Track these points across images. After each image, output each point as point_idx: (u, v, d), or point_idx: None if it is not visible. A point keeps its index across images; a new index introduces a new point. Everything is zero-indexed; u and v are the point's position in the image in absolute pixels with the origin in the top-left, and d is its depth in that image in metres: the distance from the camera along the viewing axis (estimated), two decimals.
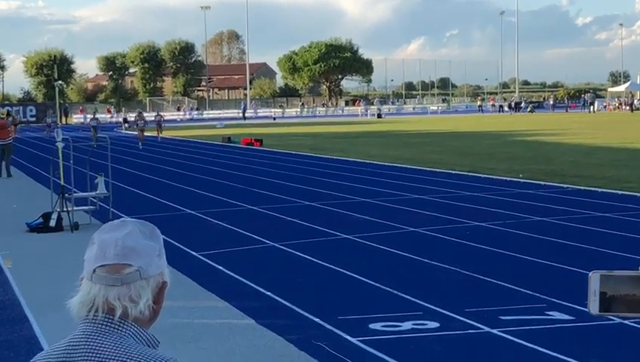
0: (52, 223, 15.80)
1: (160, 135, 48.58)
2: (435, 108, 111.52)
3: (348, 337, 8.49)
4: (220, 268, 12.16)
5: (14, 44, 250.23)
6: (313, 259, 12.64)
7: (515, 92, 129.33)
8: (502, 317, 8.99)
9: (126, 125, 67.56)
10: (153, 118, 52.30)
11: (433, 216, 16.70)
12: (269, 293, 10.47)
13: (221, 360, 7.97)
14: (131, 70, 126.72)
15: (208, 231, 15.61)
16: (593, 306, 1.60)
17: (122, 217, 2.26)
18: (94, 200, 17.32)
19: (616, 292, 1.59)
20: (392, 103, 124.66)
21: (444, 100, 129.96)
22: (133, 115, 55.81)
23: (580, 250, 12.97)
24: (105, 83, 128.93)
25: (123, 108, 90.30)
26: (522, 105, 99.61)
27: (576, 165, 26.89)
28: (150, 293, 2.00)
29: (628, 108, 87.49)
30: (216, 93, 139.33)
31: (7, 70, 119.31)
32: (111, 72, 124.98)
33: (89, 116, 65.18)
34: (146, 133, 44.42)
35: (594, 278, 1.59)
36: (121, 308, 1.95)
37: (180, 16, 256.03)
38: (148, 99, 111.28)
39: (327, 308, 9.65)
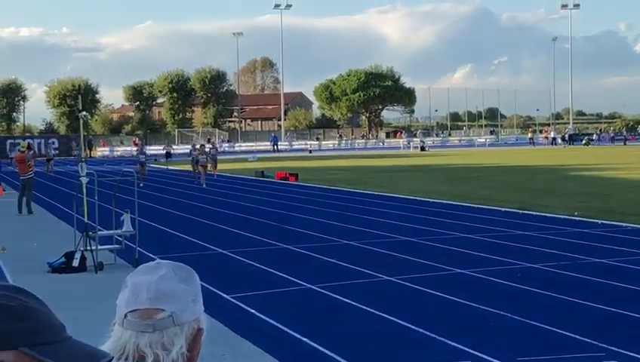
0: (75, 263, 15.88)
1: (215, 171, 45.58)
2: (483, 140, 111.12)
3: None
4: (253, 311, 12.16)
5: (37, 73, 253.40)
6: (352, 303, 12.61)
7: (568, 123, 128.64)
8: None
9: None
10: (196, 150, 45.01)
11: (482, 257, 16.62)
12: (305, 339, 10.45)
13: None
14: (159, 100, 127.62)
15: (240, 272, 15.62)
16: None
17: (153, 258, 2.27)
18: (120, 238, 17.41)
19: None
20: (436, 135, 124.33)
21: (492, 132, 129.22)
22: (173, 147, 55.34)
23: None
24: (131, 114, 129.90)
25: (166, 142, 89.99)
26: (583, 137, 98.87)
27: (636, 202, 26.65)
28: (184, 341, 2.00)
29: None
30: (248, 124, 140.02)
31: (28, 100, 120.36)
32: (137, 102, 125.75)
33: (134, 149, 64.15)
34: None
35: None
36: (153, 355, 1.95)
37: (210, 43, 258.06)
38: (177, 130, 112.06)
39: (367, 356, 9.61)
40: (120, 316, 2.01)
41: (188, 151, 50.39)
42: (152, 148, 75.82)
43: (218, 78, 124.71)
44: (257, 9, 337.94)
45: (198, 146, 44.22)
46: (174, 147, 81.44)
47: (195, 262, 16.08)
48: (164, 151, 47.44)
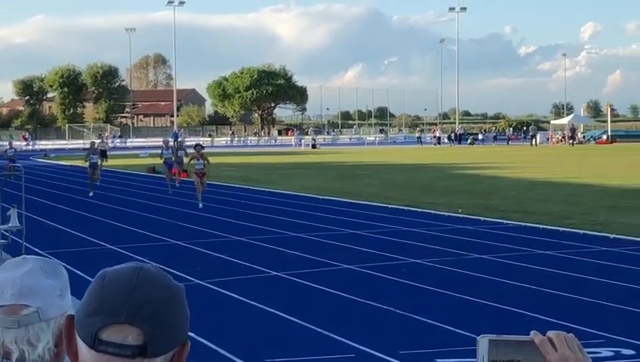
0: None
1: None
2: (372, 138, 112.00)
3: None
4: None
5: None
6: (241, 298, 12.59)
7: (455, 123, 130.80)
8: (437, 360, 9.03)
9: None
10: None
11: (369, 253, 16.77)
12: (191, 334, 10.38)
13: None
14: (50, 95, 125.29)
15: None
16: None
17: (41, 253, 2.23)
18: (6, 233, 17.02)
19: (506, 357, 1.58)
20: (328, 133, 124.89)
21: (381, 131, 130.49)
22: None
23: (521, 289, 13.14)
24: (21, 108, 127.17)
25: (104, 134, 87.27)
26: (467, 137, 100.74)
27: (517, 200, 27.26)
28: (51, 336, 1.97)
29: (570, 141, 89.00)
30: (141, 120, 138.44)
31: None
32: (27, 97, 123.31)
33: (23, 143, 61.55)
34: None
35: (482, 343, 1.57)
36: (18, 351, 1.92)
37: (103, 39, 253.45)
38: (67, 125, 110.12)
39: (253, 350, 9.61)
40: None
41: (90, 147, 38.50)
42: (41, 143, 74.24)
43: (110, 73, 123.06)
44: (151, 5, 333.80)
45: (171, 143, 39.98)
46: (66, 142, 79.78)
47: (82, 258, 15.86)
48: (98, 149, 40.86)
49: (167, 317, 1.51)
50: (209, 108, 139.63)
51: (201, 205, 26.30)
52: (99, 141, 52.43)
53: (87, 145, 41.43)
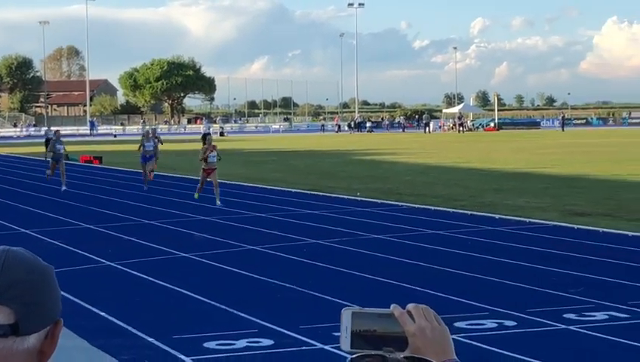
0: None
1: None
2: (277, 127, 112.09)
3: (182, 356, 8.39)
4: None
5: None
6: (150, 278, 12.46)
7: (354, 112, 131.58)
8: (335, 334, 9.06)
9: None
10: None
11: (272, 234, 16.75)
12: (102, 314, 10.24)
13: None
14: None
15: (42, 251, 15.12)
16: (344, 343, 1.59)
17: None
18: None
19: (367, 328, 1.59)
20: (235, 122, 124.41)
21: (286, 119, 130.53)
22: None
23: (414, 266, 13.28)
24: None
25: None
26: (367, 125, 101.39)
27: (411, 184, 27.57)
28: None
29: (459, 128, 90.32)
30: (55, 109, 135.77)
31: None
32: None
33: None
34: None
35: (345, 315, 1.58)
36: None
37: (18, 32, 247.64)
38: None
39: (162, 328, 9.52)
40: None
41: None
42: None
43: (24, 64, 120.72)
44: None
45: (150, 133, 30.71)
46: None
47: None
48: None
49: (37, 296, 1.47)
50: (121, 98, 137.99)
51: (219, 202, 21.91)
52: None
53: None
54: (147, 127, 31.78)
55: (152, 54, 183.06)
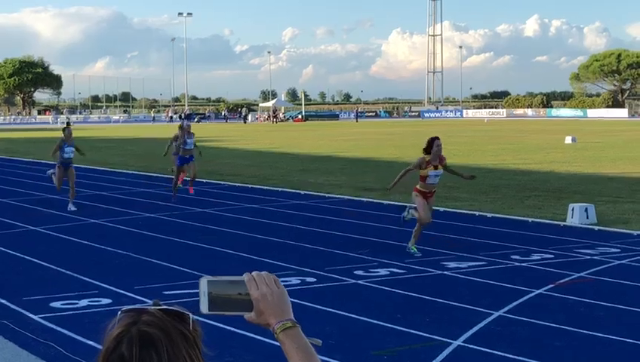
0: None
1: None
2: (118, 118, 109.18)
3: (31, 315, 8.14)
4: None
5: None
6: (2, 249, 11.95)
7: (184, 105, 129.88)
8: (165, 292, 9.03)
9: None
10: None
11: (112, 210, 16.40)
12: None
13: None
14: None
15: None
16: (203, 306, 1.64)
17: None
18: None
19: (221, 293, 1.64)
20: (80, 113, 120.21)
21: (125, 111, 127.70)
22: None
23: (233, 234, 13.35)
24: None
25: None
26: (195, 117, 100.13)
27: (232, 166, 27.57)
28: None
29: (273, 120, 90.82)
30: None
31: None
32: None
33: None
34: None
35: (202, 283, 1.64)
36: None
37: None
38: None
39: (12, 291, 9.18)
40: None
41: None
42: None
43: None
44: None
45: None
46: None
47: None
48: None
49: None
50: None
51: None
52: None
53: None
54: (184, 121, 21.78)
55: (5, 54, 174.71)
